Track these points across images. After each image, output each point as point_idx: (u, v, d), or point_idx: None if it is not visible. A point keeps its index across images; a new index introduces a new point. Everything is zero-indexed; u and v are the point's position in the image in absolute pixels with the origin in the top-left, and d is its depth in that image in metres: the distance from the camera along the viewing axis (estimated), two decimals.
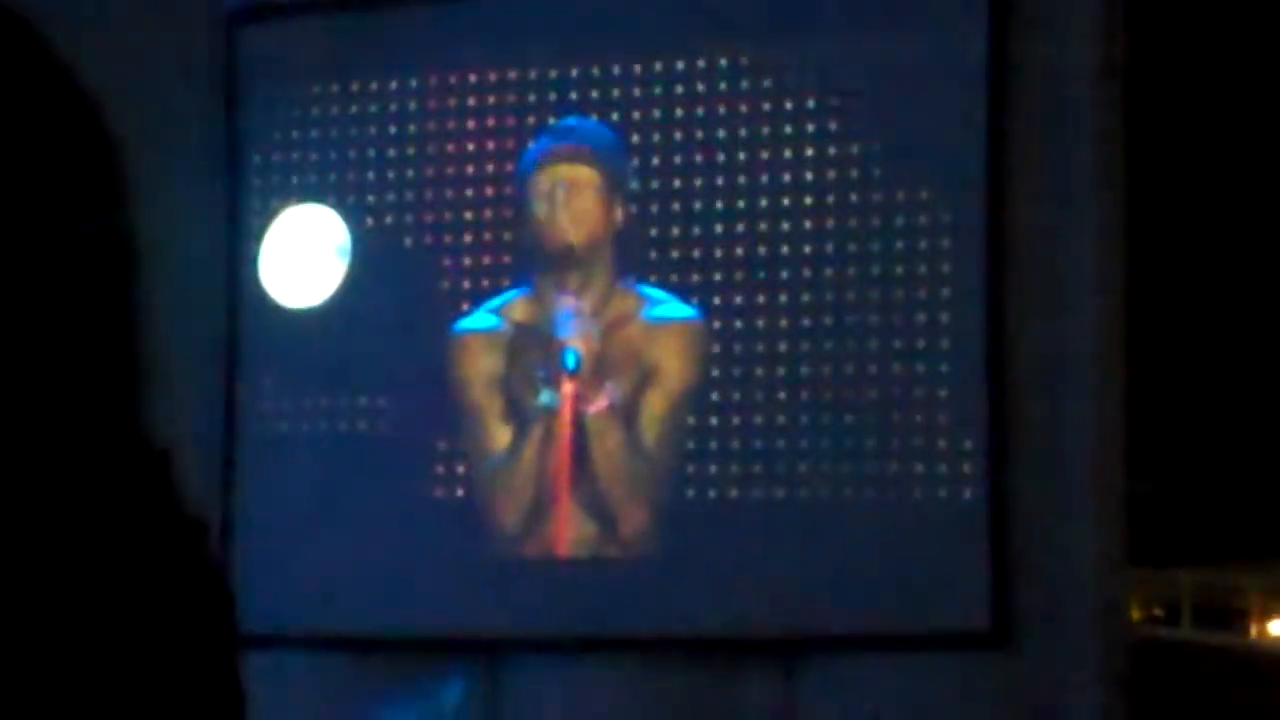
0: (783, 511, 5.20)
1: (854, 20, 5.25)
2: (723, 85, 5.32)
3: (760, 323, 5.26)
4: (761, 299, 5.26)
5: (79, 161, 1.15)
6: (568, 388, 5.35)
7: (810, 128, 5.24)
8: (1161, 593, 15.28)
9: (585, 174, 5.39)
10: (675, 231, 5.33)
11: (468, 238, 5.53)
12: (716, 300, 5.30)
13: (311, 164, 5.68)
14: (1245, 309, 10.06)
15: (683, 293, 5.32)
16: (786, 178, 5.26)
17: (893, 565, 5.10)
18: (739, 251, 5.28)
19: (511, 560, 5.45)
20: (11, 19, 1.13)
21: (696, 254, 5.31)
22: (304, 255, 5.65)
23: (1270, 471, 11.58)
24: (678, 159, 5.35)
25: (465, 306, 5.52)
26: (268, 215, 5.70)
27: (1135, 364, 5.10)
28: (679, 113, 5.36)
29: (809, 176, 5.24)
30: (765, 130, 5.28)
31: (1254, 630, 15.96)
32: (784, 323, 5.24)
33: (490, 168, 5.53)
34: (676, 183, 5.34)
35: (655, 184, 5.37)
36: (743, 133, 5.30)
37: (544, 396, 5.38)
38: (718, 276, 5.30)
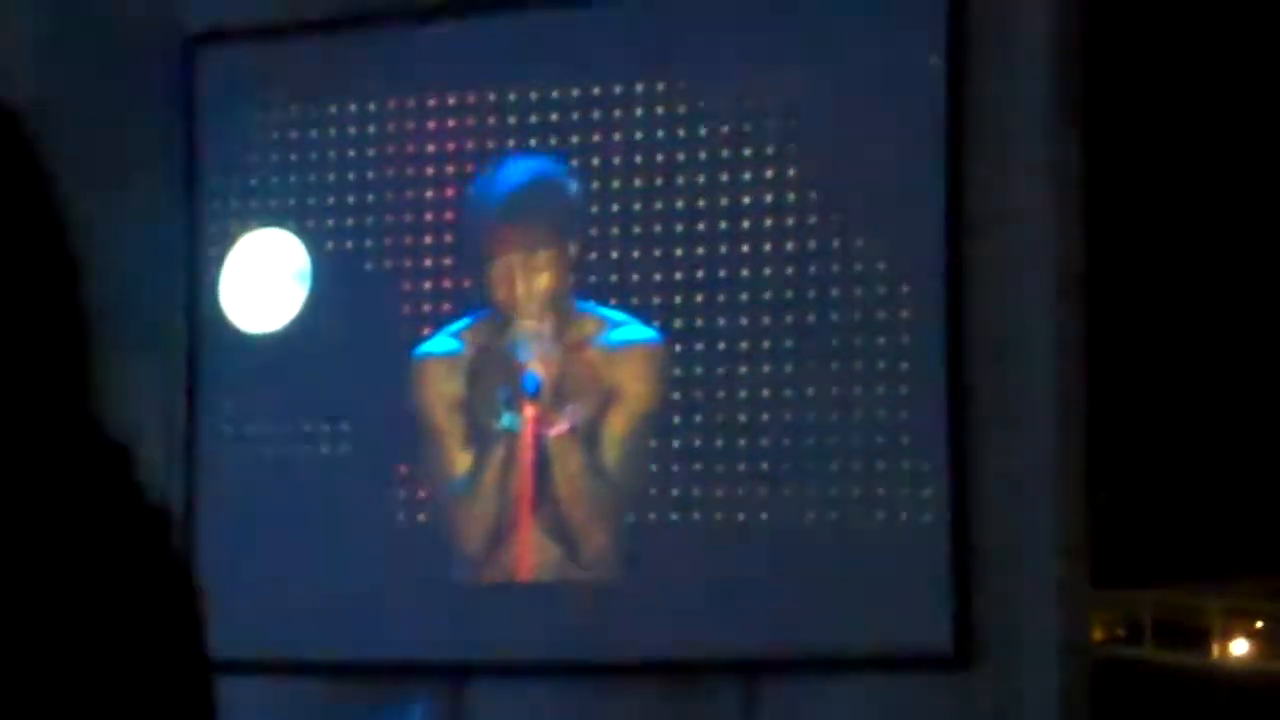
0: (745, 534, 5.20)
1: (810, 43, 5.26)
2: (682, 109, 5.32)
3: (721, 345, 5.26)
4: (722, 321, 5.26)
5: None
6: (529, 411, 5.35)
7: (770, 150, 5.25)
8: (1123, 612, 15.31)
9: (543, 258, 5.39)
10: (635, 254, 5.34)
11: (428, 262, 5.52)
12: (677, 323, 5.30)
13: (271, 188, 5.67)
14: (1207, 332, 10.10)
15: (643, 315, 5.33)
16: (746, 200, 5.26)
17: (854, 587, 5.10)
18: (699, 274, 5.29)
19: (475, 584, 5.44)
20: None
21: (657, 276, 5.31)
22: (264, 280, 5.64)
23: (1232, 491, 11.61)
24: (638, 182, 5.36)
25: (426, 331, 5.51)
26: (227, 240, 5.68)
27: (1096, 386, 5.12)
28: (638, 135, 5.36)
29: (768, 199, 5.25)
30: (725, 153, 5.28)
31: (1216, 650, 16.00)
32: (744, 345, 5.24)
33: (450, 192, 5.52)
34: (637, 205, 5.35)
35: (615, 207, 5.37)
36: (702, 155, 5.30)
37: (505, 420, 5.38)
38: (678, 299, 5.30)
